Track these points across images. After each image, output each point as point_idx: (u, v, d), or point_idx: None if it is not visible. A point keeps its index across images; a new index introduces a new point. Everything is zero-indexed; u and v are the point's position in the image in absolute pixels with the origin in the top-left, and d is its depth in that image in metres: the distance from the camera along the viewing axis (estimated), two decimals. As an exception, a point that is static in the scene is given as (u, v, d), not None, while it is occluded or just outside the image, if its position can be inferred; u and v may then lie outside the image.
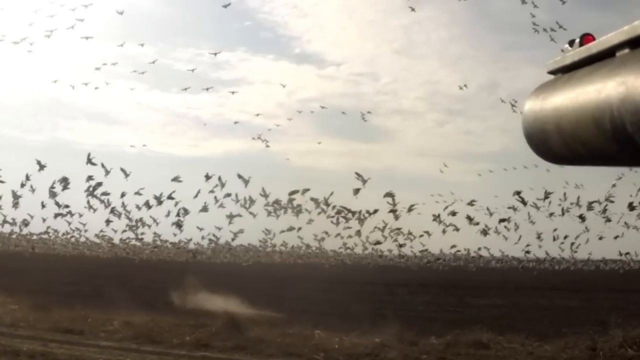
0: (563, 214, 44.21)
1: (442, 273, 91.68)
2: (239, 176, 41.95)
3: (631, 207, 41.72)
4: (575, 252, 56.20)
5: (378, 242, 53.27)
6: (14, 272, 47.91)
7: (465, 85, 67.58)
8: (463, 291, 53.19)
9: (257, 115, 72.42)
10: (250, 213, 43.57)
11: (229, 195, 43.02)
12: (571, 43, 2.13)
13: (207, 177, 41.21)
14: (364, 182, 38.80)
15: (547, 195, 42.51)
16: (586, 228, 48.03)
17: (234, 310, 26.23)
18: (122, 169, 40.17)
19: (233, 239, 55.57)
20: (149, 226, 49.92)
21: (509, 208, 46.97)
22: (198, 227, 51.84)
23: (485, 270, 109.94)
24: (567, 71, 2.11)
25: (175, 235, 52.65)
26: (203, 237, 59.84)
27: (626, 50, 1.80)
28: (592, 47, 1.99)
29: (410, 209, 43.24)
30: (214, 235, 57.13)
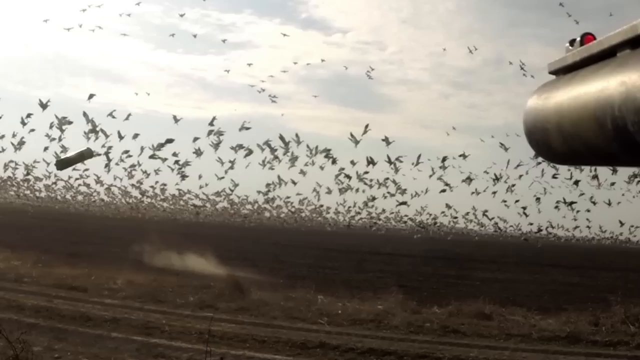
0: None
1: (444, 244, 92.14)
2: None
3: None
4: (576, 220, 56.49)
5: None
6: (18, 230, 48.16)
7: (475, 48, 67.05)
8: (464, 264, 53.33)
9: (263, 82, 70.72)
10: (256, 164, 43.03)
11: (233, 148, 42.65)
12: (572, 42, 2.10)
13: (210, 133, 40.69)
14: (357, 143, 38.50)
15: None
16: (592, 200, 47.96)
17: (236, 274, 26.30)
18: (118, 133, 39.56)
19: (232, 190, 55.45)
20: (149, 174, 49.54)
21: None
22: (199, 175, 51.31)
23: (488, 243, 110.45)
24: (568, 71, 2.07)
25: (177, 184, 52.37)
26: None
27: (627, 50, 1.78)
28: (593, 47, 1.96)
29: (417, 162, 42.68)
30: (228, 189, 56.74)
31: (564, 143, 1.97)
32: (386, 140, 40.80)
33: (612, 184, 44.69)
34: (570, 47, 2.10)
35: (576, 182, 43.95)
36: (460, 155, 43.78)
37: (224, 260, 32.56)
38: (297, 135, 41.38)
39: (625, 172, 43.25)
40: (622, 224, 64.25)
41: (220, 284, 23.74)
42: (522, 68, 48.07)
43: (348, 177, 47.94)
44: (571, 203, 44.78)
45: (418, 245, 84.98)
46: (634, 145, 1.67)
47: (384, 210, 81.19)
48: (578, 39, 2.07)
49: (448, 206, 67.69)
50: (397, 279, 32.86)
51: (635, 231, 74.87)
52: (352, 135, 38.64)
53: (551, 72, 2.18)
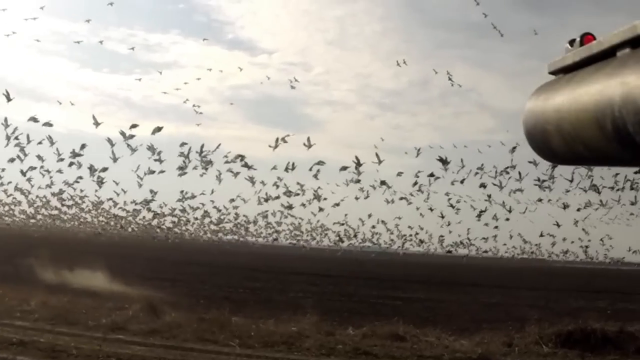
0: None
1: (367, 264, 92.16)
2: None
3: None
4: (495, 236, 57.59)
5: None
6: None
7: (404, 62, 66.94)
8: (387, 284, 53.72)
9: (185, 101, 69.97)
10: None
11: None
12: (571, 43, 2.15)
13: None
14: (275, 148, 38.77)
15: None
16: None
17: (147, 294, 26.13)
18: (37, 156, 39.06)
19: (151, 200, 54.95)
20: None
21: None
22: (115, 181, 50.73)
23: (412, 260, 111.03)
24: (568, 71, 2.13)
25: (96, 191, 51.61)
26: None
27: (627, 50, 1.82)
28: (593, 47, 2.02)
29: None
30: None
31: (564, 144, 2.02)
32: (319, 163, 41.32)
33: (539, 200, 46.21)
34: (569, 47, 2.15)
35: (489, 196, 45.11)
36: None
37: (144, 280, 32.31)
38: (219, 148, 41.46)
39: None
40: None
41: (135, 305, 23.52)
42: (450, 79, 49.36)
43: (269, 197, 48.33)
44: (481, 213, 45.91)
45: (342, 264, 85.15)
46: (634, 146, 1.72)
47: (309, 221, 79.85)
48: (578, 39, 2.12)
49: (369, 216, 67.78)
50: (317, 300, 33.00)
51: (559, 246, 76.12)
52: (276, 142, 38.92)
53: (551, 73, 2.22)
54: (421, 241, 75.20)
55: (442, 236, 70.33)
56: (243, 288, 40.35)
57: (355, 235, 78.00)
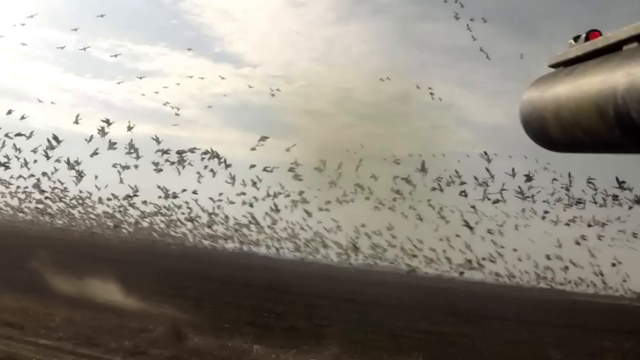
0: None
1: (387, 288, 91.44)
2: None
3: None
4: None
5: None
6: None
7: (388, 78, 67.48)
8: (411, 314, 53.42)
9: (165, 104, 70.75)
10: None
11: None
12: (576, 39, 2.13)
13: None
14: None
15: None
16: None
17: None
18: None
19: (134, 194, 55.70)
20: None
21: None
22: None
23: (434, 289, 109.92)
24: (569, 65, 2.12)
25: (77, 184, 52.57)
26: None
27: (634, 44, 1.81)
28: (599, 42, 2.00)
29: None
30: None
31: (562, 131, 2.01)
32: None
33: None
34: (573, 43, 2.12)
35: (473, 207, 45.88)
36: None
37: (166, 297, 32.44)
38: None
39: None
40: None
41: (160, 326, 23.55)
42: (431, 94, 50.07)
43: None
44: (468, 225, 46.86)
45: (365, 287, 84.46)
46: (637, 132, 1.72)
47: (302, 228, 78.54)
48: (583, 35, 2.09)
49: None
50: (340, 329, 32.67)
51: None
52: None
53: (551, 66, 2.20)
54: (430, 259, 75.12)
55: (444, 251, 70.72)
56: (267, 312, 40.24)
57: (356, 247, 77.71)
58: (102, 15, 53.09)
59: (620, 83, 1.71)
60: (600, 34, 2.03)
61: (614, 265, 61.46)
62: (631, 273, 70.44)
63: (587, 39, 2.06)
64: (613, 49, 1.89)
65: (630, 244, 52.87)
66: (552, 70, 2.18)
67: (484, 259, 67.01)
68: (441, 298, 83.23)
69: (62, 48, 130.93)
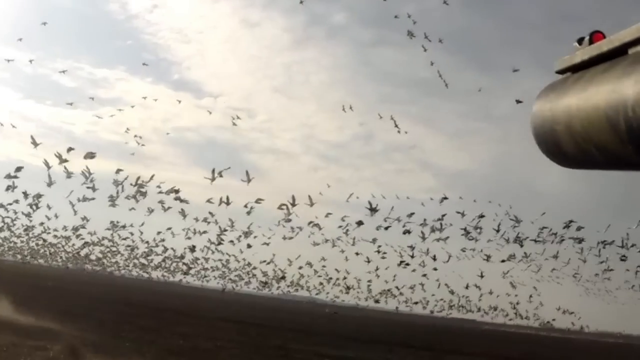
0: None
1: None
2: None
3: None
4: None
5: None
6: None
7: (351, 108, 69.32)
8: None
9: (127, 130, 70.64)
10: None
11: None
12: (580, 41, 2.08)
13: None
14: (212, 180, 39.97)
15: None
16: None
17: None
18: None
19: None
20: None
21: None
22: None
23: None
24: (576, 70, 2.05)
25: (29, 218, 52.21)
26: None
27: (639, 48, 1.77)
28: (603, 45, 1.94)
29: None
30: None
31: (574, 145, 1.93)
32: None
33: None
34: (578, 46, 2.08)
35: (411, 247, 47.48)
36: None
37: (72, 316, 32.13)
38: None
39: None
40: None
41: (57, 345, 23.49)
42: (395, 125, 51.21)
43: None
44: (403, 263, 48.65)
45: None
46: None
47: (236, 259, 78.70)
48: (587, 37, 2.06)
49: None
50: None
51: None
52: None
53: (558, 72, 2.14)
54: (348, 287, 76.73)
55: (369, 281, 72.14)
56: (172, 333, 40.27)
57: (283, 277, 78.64)
58: (44, 23, 52.06)
59: (630, 92, 1.65)
60: (604, 36, 2.00)
61: (530, 298, 63.58)
62: (545, 301, 72.82)
63: (590, 41, 2.04)
64: (618, 53, 1.85)
65: (560, 280, 54.83)
66: (560, 76, 2.15)
67: (403, 286, 68.98)
68: (342, 324, 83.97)
69: (9, 61, 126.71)
